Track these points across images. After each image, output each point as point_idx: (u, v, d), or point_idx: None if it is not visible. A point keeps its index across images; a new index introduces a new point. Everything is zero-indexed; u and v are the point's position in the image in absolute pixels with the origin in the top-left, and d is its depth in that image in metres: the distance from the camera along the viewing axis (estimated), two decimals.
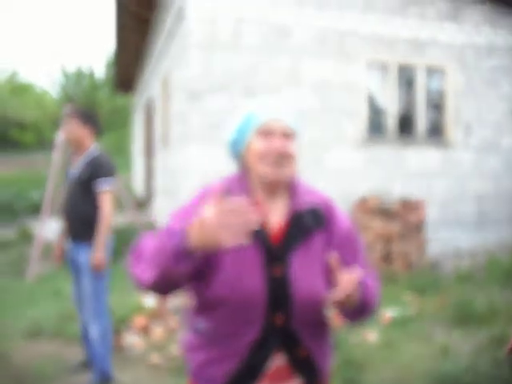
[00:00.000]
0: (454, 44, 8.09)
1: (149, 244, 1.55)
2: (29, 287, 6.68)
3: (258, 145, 1.65)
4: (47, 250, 8.18)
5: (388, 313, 5.41)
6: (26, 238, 10.45)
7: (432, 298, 5.97)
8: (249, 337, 1.59)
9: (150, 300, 5.14)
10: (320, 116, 7.42)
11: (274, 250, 1.62)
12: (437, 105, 8.27)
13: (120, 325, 4.68)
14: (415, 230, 7.06)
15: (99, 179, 3.88)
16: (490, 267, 7.20)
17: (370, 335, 4.80)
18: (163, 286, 1.53)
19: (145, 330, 4.75)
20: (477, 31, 8.19)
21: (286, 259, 1.61)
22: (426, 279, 6.57)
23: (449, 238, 8.06)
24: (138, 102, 17.68)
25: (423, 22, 7.91)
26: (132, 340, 4.59)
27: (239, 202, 1.36)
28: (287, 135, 1.66)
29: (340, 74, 7.52)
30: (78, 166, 4.01)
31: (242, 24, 7.00)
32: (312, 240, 1.65)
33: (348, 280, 1.49)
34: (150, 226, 9.13)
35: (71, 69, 28.73)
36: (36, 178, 18.27)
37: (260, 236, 1.60)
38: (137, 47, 13.81)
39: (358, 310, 1.63)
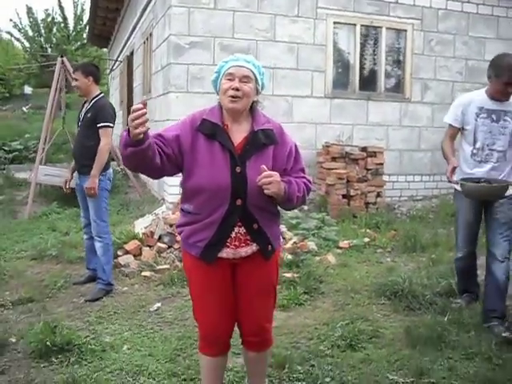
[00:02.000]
0: (414, 7, 8.82)
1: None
2: (26, 224, 7.37)
3: (223, 84, 2.44)
4: (40, 192, 8.87)
5: (346, 242, 6.31)
6: (12, 184, 11.02)
7: (385, 233, 6.88)
8: (220, 213, 2.41)
9: (141, 228, 5.92)
10: (292, 72, 8.15)
11: (237, 156, 2.41)
12: (397, 63, 9.06)
13: (117, 249, 5.45)
14: (374, 174, 7.94)
15: (101, 118, 4.61)
16: (439, 210, 8.13)
17: (330, 257, 5.68)
18: (130, 162, 2.31)
19: (137, 252, 5.55)
20: None
21: (245, 163, 2.41)
22: (381, 218, 7.46)
23: (405, 183, 8.98)
24: (114, 55, 18.00)
25: None
26: (127, 260, 5.40)
27: (135, 106, 2.14)
28: (244, 78, 2.42)
29: (310, 34, 8.22)
30: (84, 110, 4.75)
31: None
32: (264, 151, 2.46)
33: (265, 175, 2.33)
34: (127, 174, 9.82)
35: (39, 15, 27.48)
36: (10, 128, 18.50)
37: (227, 146, 2.41)
38: (114, 2, 14.10)
39: (285, 199, 2.44)
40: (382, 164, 8.08)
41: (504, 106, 3.89)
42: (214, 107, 2.53)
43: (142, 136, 2.13)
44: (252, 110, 2.53)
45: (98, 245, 4.72)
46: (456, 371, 3.29)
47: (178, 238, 5.49)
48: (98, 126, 4.59)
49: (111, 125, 4.66)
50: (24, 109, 27.53)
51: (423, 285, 4.72)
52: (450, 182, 3.83)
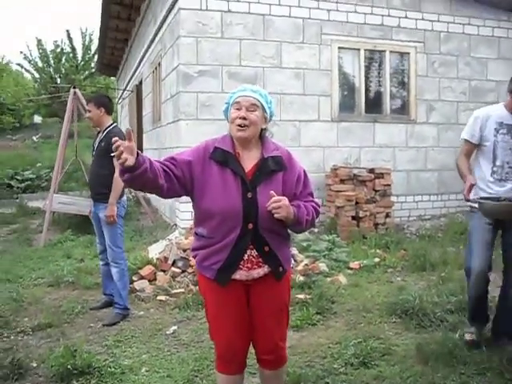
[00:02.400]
0: (416, 30, 9.02)
1: None
2: (42, 252, 7.52)
3: (232, 114, 2.59)
4: (54, 220, 9.03)
5: (356, 262, 6.40)
6: (26, 212, 11.23)
7: (395, 253, 6.96)
8: (232, 237, 2.53)
9: (155, 253, 6.05)
10: (299, 97, 8.33)
11: (248, 182, 2.54)
12: (402, 85, 9.23)
13: (132, 275, 5.57)
14: (382, 195, 8.06)
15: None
16: (448, 228, 8.21)
17: (341, 278, 5.77)
18: (131, 185, 2.53)
19: (152, 277, 5.66)
20: (437, 19, 9.12)
21: (255, 188, 2.54)
22: (391, 238, 7.55)
23: (413, 203, 9.08)
24: (122, 84, 18.33)
25: (389, 11, 8.81)
26: (142, 285, 5.51)
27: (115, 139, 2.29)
28: (251, 107, 2.56)
29: (316, 59, 8.42)
30: (98, 140, 4.92)
31: (228, 15, 7.86)
32: (273, 177, 2.58)
33: (274, 200, 2.44)
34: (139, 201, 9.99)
35: (48, 46, 27.83)
36: (21, 158, 18.78)
37: (239, 173, 2.54)
38: (123, 32, 14.47)
39: (295, 222, 2.56)
40: (389, 185, 8.20)
41: None
42: (226, 136, 2.66)
43: (131, 163, 2.28)
44: (261, 137, 2.67)
45: (114, 270, 4.85)
46: None
47: (192, 262, 5.62)
48: (112, 155, 4.74)
49: None
50: (34, 138, 27.93)
51: (433, 302, 4.79)
52: (467, 200, 3.65)
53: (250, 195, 2.52)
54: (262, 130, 2.65)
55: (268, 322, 2.69)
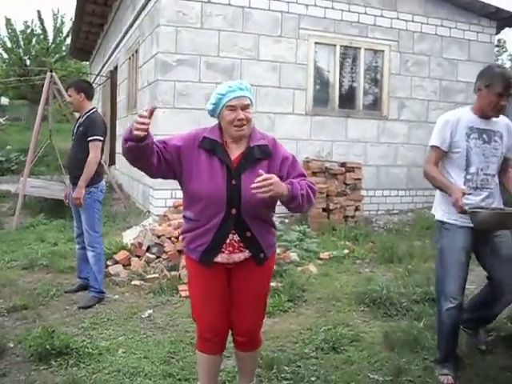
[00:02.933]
0: (391, 29, 9.23)
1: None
2: (14, 235, 7.50)
3: (227, 116, 2.67)
4: (25, 204, 8.98)
5: (326, 253, 6.59)
6: None
7: (363, 245, 7.18)
8: (216, 221, 2.67)
9: (129, 239, 6.12)
10: (274, 90, 8.46)
11: (233, 169, 2.67)
12: (375, 82, 9.44)
13: (106, 259, 5.63)
14: (352, 188, 8.28)
15: (91, 131, 4.84)
16: (415, 223, 8.47)
17: (311, 268, 5.95)
18: (128, 154, 2.56)
19: (127, 262, 5.75)
20: (411, 19, 9.35)
21: (240, 176, 2.66)
22: (360, 231, 7.78)
23: (382, 198, 9.33)
24: (95, 69, 18.17)
25: (366, 9, 9.00)
26: (117, 269, 5.59)
27: (144, 112, 2.40)
28: (245, 107, 2.68)
29: (292, 53, 8.56)
30: (77, 125, 4.97)
31: (209, 6, 7.93)
32: (258, 165, 2.67)
33: (264, 177, 2.49)
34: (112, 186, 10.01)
35: (18, 26, 27.06)
36: None
37: (225, 161, 2.67)
38: (99, 17, 14.32)
39: (290, 198, 2.59)
40: (360, 179, 8.42)
41: (493, 125, 3.50)
42: (215, 126, 2.80)
43: (141, 134, 2.41)
44: None
45: (90, 254, 4.91)
46: (431, 371, 3.56)
47: (166, 248, 5.74)
48: (88, 139, 4.81)
49: (100, 138, 4.87)
50: (1, 120, 27.40)
51: (400, 293, 5.00)
52: (463, 212, 3.26)
53: (234, 182, 2.65)
54: None
55: (246, 305, 2.83)
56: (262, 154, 2.71)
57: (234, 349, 3.05)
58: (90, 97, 5.07)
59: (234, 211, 2.66)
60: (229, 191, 2.64)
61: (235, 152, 2.73)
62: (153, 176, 2.73)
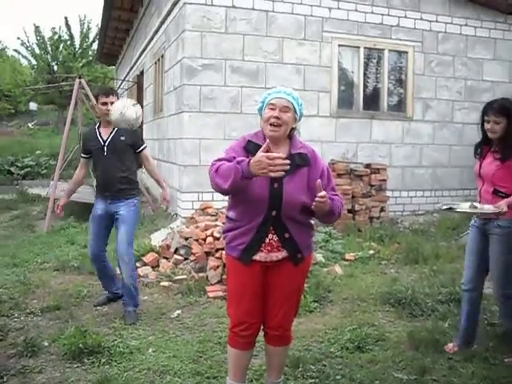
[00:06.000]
0: (415, 30, 9.22)
1: (221, 164, 2.71)
2: (45, 238, 7.71)
3: (266, 114, 2.84)
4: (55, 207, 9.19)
5: (351, 254, 6.63)
6: (26, 199, 11.40)
7: (389, 246, 7.20)
8: (257, 221, 2.82)
9: (157, 241, 6.26)
10: (299, 93, 8.44)
11: None
12: (399, 83, 9.44)
13: (136, 261, 5.74)
14: (377, 190, 8.30)
15: (140, 141, 4.93)
16: (440, 224, 8.45)
17: (337, 269, 6.00)
18: (229, 191, 2.73)
19: (155, 264, 5.88)
20: (435, 19, 9.33)
21: (281, 180, 2.78)
22: (385, 231, 7.78)
23: (407, 199, 9.32)
24: (121, 73, 18.45)
25: (389, 10, 9.01)
26: (146, 271, 5.73)
27: (276, 155, 2.57)
28: (284, 108, 2.81)
29: (316, 56, 8.62)
30: (113, 136, 4.77)
31: (233, 10, 8.03)
32: (298, 171, 2.84)
33: (322, 194, 2.68)
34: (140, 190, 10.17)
35: (46, 33, 27.51)
36: (20, 145, 18.86)
37: None
38: (125, 22, 14.58)
39: (328, 213, 2.81)
40: (385, 180, 8.43)
41: None
42: (259, 131, 2.93)
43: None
44: (290, 135, 2.92)
45: (124, 268, 4.71)
46: (456, 370, 3.60)
47: (194, 250, 5.85)
48: (140, 149, 4.84)
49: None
50: (29, 125, 27.96)
51: (425, 293, 5.04)
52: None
53: (276, 185, 2.78)
54: (291, 129, 2.90)
55: (281, 301, 2.96)
56: (302, 161, 2.86)
57: (265, 344, 3.14)
58: None
59: (274, 213, 2.81)
60: (271, 194, 2.78)
61: None
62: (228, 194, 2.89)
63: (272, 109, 2.81)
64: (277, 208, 2.80)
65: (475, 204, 3.64)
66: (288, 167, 2.58)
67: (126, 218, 4.67)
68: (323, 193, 2.69)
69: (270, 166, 2.53)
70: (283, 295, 2.96)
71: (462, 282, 3.98)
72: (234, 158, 2.76)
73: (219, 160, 2.78)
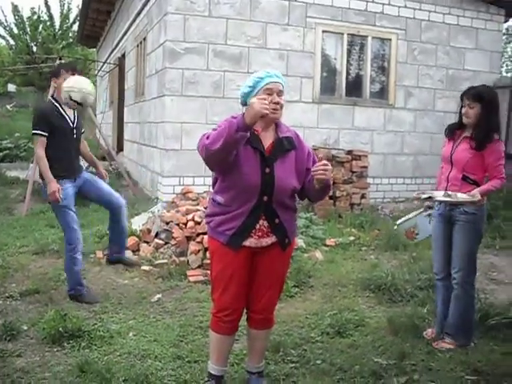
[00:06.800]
0: (399, 17, 9.23)
1: (212, 131, 2.68)
2: (24, 221, 7.60)
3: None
4: (34, 191, 9.07)
5: (332, 240, 6.67)
6: (5, 182, 11.19)
7: (369, 232, 7.26)
8: (248, 206, 2.80)
9: (138, 225, 6.22)
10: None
11: (266, 158, 2.80)
12: (382, 70, 9.46)
13: None
14: (359, 176, 8.34)
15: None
16: None
17: (318, 254, 6.04)
18: (219, 155, 2.64)
19: (136, 248, 5.86)
20: (419, 7, 9.34)
21: (272, 164, 2.79)
22: (365, 218, 7.83)
23: (388, 186, 9.39)
24: (102, 56, 18.20)
25: None
26: (126, 255, 5.68)
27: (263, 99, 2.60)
28: (280, 93, 2.81)
29: (300, 41, 8.59)
30: (76, 117, 4.73)
31: None
32: (287, 155, 2.86)
33: (324, 162, 2.72)
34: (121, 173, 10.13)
35: (25, 12, 26.91)
36: None
37: (259, 149, 2.79)
38: (106, 4, 14.33)
39: (325, 187, 2.83)
40: (366, 167, 8.47)
41: None
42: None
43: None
44: None
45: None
46: (434, 355, 3.66)
47: (175, 234, 5.82)
48: (84, 131, 5.00)
49: None
50: (8, 107, 27.47)
51: (405, 279, 5.08)
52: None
53: (267, 170, 2.78)
54: None
55: (266, 285, 2.97)
56: (290, 145, 2.88)
57: (248, 328, 3.15)
58: None
59: (265, 198, 2.81)
60: (263, 179, 2.77)
61: (266, 142, 2.85)
62: (213, 169, 2.88)
63: (269, 94, 2.78)
64: (268, 193, 2.80)
65: (449, 193, 3.67)
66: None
67: (94, 177, 4.90)
68: (324, 161, 2.73)
69: (262, 105, 2.53)
70: (270, 280, 2.97)
71: (434, 271, 4.02)
72: None
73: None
